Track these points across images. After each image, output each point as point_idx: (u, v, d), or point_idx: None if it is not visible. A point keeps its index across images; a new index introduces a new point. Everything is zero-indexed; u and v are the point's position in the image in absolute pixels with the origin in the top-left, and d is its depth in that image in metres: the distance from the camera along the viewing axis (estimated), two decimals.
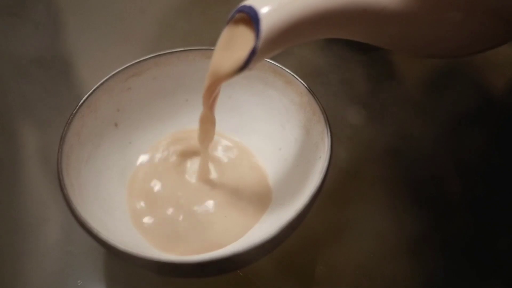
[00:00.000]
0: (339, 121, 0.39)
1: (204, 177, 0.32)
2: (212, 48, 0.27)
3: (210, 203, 0.30)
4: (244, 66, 0.25)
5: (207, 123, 0.30)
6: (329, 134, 0.28)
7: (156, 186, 0.31)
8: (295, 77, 0.31)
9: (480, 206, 0.34)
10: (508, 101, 0.42)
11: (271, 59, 0.32)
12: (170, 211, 0.30)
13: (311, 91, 0.30)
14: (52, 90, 0.42)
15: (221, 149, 0.33)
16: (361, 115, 0.40)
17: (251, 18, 0.24)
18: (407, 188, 0.35)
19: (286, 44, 0.25)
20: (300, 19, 0.24)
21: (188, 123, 0.34)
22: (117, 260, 0.31)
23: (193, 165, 0.33)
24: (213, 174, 0.32)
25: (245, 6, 0.24)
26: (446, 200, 0.35)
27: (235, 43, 0.25)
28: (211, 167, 0.32)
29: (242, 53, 0.24)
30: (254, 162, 0.33)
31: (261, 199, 0.31)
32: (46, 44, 0.46)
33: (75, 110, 0.29)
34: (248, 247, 0.23)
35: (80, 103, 0.30)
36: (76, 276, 0.30)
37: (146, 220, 0.30)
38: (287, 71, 0.31)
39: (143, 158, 0.33)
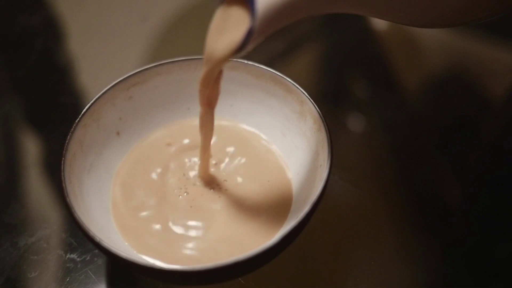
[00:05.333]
0: (340, 129, 0.39)
1: (205, 176, 0.31)
2: None
3: (215, 212, 0.30)
4: (241, 47, 0.23)
5: (205, 120, 0.29)
6: (329, 142, 0.28)
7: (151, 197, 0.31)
8: (296, 86, 0.31)
9: (480, 212, 0.34)
10: (507, 109, 0.42)
11: (272, 67, 0.32)
12: (166, 221, 0.29)
13: (311, 99, 0.31)
14: (54, 99, 0.42)
15: (225, 151, 0.33)
16: (361, 122, 0.40)
17: None
18: (406, 195, 0.35)
19: (284, 22, 0.24)
20: None
21: (189, 132, 0.34)
22: (120, 268, 0.31)
23: (195, 167, 0.32)
24: (216, 176, 0.32)
25: None
26: (446, 206, 0.35)
27: (229, 24, 0.24)
28: (217, 172, 0.32)
29: (237, 34, 0.23)
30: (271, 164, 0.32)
31: (279, 208, 0.30)
32: (47, 52, 0.46)
33: (78, 119, 0.29)
34: (248, 256, 0.24)
35: (82, 112, 0.30)
36: (78, 283, 0.30)
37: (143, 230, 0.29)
38: (287, 80, 0.32)
39: (142, 164, 0.32)
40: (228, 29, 0.24)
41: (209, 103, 0.28)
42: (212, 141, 0.30)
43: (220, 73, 0.27)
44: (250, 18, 0.23)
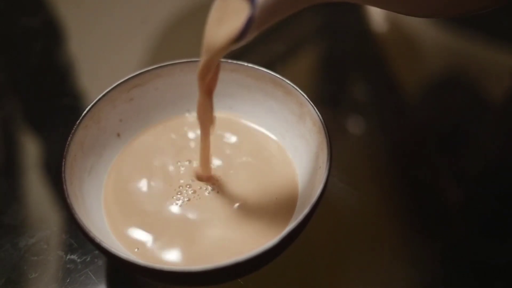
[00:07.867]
0: (339, 131, 0.39)
1: (205, 172, 0.31)
2: None
3: (216, 211, 0.30)
4: (241, 35, 0.23)
5: (204, 109, 0.28)
6: (328, 144, 0.28)
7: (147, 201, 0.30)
8: (295, 88, 0.31)
9: (479, 214, 0.34)
10: (506, 111, 0.42)
11: (271, 69, 0.32)
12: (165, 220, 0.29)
13: (310, 102, 0.31)
14: (54, 100, 0.42)
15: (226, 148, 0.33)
16: (360, 125, 0.40)
17: None
18: (406, 197, 0.35)
19: (284, 12, 0.24)
20: None
21: (189, 133, 0.34)
22: (120, 269, 0.31)
23: (193, 165, 0.32)
24: (216, 174, 0.31)
25: None
26: (446, 208, 0.35)
27: (229, 13, 0.24)
28: (217, 166, 0.32)
29: (237, 22, 0.23)
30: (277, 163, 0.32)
31: (283, 208, 0.30)
32: (48, 53, 0.46)
33: (79, 121, 0.30)
34: (247, 257, 0.24)
35: (83, 114, 0.30)
36: (78, 284, 0.30)
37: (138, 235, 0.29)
38: (287, 82, 0.32)
39: (136, 163, 0.32)
40: (227, 18, 0.24)
41: (208, 90, 0.28)
42: (212, 137, 0.30)
43: (218, 63, 0.27)
44: (250, 6, 0.22)
